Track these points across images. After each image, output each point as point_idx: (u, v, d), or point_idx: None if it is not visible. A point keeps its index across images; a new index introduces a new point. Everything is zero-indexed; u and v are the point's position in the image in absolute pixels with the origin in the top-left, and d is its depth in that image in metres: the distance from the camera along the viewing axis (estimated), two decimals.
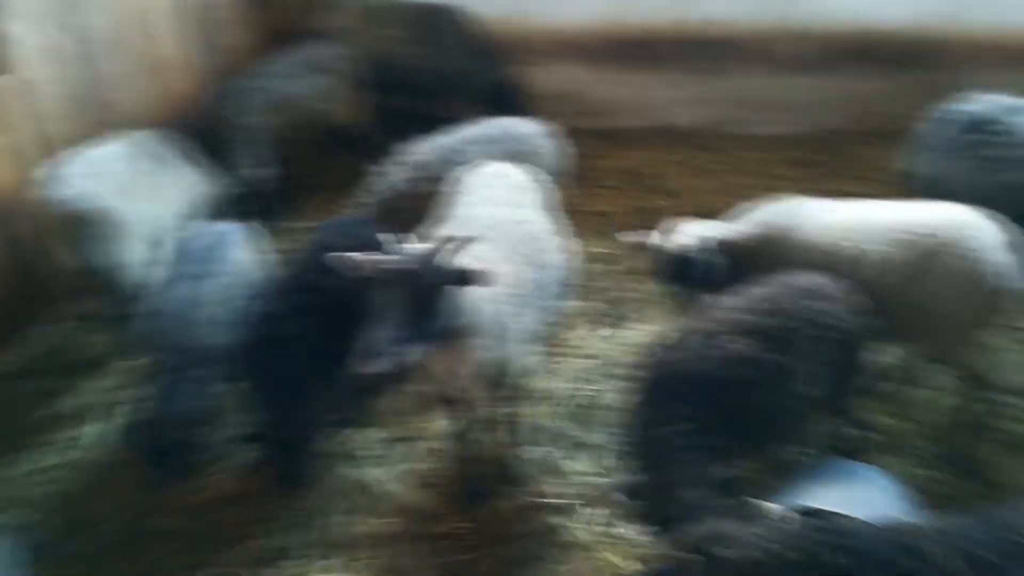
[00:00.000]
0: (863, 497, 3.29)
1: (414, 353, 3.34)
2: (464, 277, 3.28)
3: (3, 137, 5.31)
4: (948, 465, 4.26)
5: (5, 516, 4.35)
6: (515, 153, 5.08)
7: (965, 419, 4.27)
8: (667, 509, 3.35)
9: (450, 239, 3.30)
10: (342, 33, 7.24)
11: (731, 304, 3.74)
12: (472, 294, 3.40)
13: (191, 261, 4.62)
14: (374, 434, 4.77)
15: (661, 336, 3.84)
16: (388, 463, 4.58)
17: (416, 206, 4.94)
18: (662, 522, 3.40)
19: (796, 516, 2.84)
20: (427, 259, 3.24)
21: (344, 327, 3.73)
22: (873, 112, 7.17)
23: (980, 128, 4.38)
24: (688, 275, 4.13)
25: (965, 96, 4.63)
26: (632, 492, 3.58)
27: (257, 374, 4.23)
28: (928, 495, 4.00)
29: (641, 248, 4.35)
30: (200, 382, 4.34)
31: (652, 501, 3.44)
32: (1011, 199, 4.10)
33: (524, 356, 3.88)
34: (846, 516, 2.85)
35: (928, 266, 3.86)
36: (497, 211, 4.12)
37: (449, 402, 4.22)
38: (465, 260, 3.38)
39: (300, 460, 4.38)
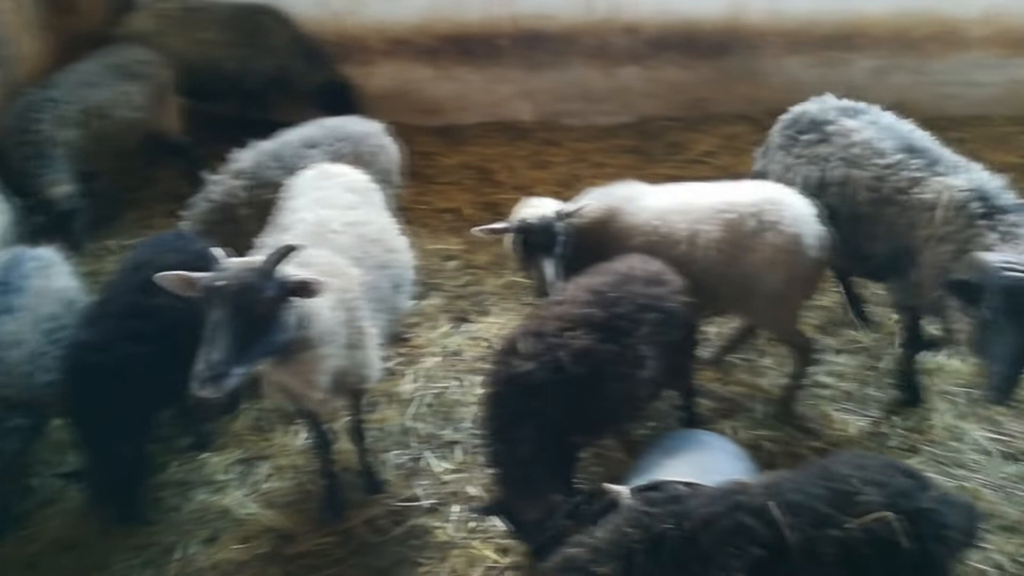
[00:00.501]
0: (709, 462, 3.47)
1: (252, 371, 3.20)
2: (298, 287, 3.16)
3: None
4: (783, 424, 4.54)
5: None
6: (349, 153, 4.95)
7: (795, 380, 4.58)
8: (530, 516, 3.42)
9: (281, 248, 3.17)
10: (148, 37, 6.82)
11: (567, 297, 3.80)
12: (310, 303, 3.28)
13: None
14: (229, 455, 4.56)
15: (505, 337, 3.86)
16: (246, 484, 4.40)
17: (246, 215, 4.74)
18: (527, 531, 3.47)
19: (625, 495, 2.97)
20: (258, 272, 3.10)
21: (176, 349, 3.51)
22: (697, 99, 7.56)
23: (815, 127, 4.67)
24: (536, 243, 4.23)
25: (811, 99, 4.91)
26: (491, 512, 3.63)
27: (77, 407, 3.93)
28: (766, 454, 4.30)
29: (495, 235, 4.37)
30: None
31: (515, 512, 3.50)
32: (836, 194, 4.42)
33: (372, 360, 3.81)
34: (679, 483, 3.00)
35: (752, 243, 4.11)
36: (333, 214, 4.00)
37: (304, 415, 4.10)
38: (299, 269, 3.27)
39: (136, 494, 4.12)
